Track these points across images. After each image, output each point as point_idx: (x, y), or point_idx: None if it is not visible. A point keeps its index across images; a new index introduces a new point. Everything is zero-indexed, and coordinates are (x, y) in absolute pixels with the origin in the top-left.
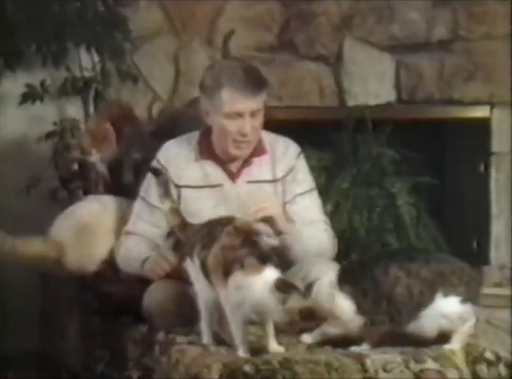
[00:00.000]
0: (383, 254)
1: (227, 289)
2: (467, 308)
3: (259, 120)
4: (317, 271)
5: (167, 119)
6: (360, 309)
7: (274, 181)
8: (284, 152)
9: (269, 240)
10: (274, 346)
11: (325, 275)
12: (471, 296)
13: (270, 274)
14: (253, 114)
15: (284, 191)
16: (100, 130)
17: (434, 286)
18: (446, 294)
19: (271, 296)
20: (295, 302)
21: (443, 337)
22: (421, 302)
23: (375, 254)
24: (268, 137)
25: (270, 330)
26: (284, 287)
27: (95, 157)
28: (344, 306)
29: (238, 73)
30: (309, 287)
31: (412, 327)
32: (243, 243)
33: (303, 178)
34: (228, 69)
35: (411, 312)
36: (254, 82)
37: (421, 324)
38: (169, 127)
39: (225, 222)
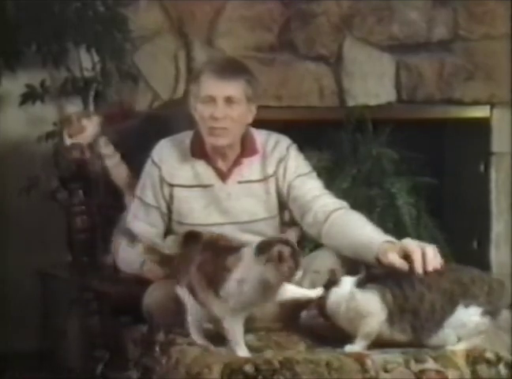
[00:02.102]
0: None
1: (219, 300)
2: (485, 320)
3: (237, 112)
4: (333, 259)
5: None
6: (385, 302)
7: (265, 178)
8: (274, 147)
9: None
10: (242, 349)
11: (340, 286)
12: (492, 309)
13: (247, 251)
14: (228, 102)
15: (278, 184)
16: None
17: (454, 298)
18: (466, 305)
19: (260, 262)
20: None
21: None
22: (443, 317)
23: None
24: (260, 137)
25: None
26: (265, 247)
27: (67, 140)
28: (370, 298)
29: (217, 60)
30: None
31: (434, 340)
32: (217, 253)
33: (296, 165)
34: (211, 58)
35: (432, 327)
36: (230, 68)
37: (442, 336)
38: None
39: (194, 240)
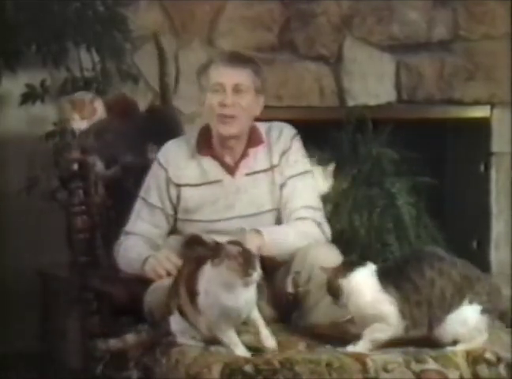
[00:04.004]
0: (413, 254)
1: (200, 315)
2: (484, 320)
3: (246, 100)
4: (312, 257)
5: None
6: (403, 313)
7: (271, 168)
8: (279, 136)
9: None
10: (269, 341)
11: (365, 281)
12: (491, 308)
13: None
14: (237, 90)
15: (280, 176)
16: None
17: (462, 290)
18: (471, 301)
19: (215, 267)
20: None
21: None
22: (451, 306)
23: (404, 255)
24: (263, 127)
25: (261, 323)
26: (217, 252)
27: (78, 123)
28: (390, 311)
29: (226, 51)
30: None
31: (437, 332)
32: (196, 265)
33: (296, 160)
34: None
35: (441, 316)
36: (238, 57)
37: (443, 329)
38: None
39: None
